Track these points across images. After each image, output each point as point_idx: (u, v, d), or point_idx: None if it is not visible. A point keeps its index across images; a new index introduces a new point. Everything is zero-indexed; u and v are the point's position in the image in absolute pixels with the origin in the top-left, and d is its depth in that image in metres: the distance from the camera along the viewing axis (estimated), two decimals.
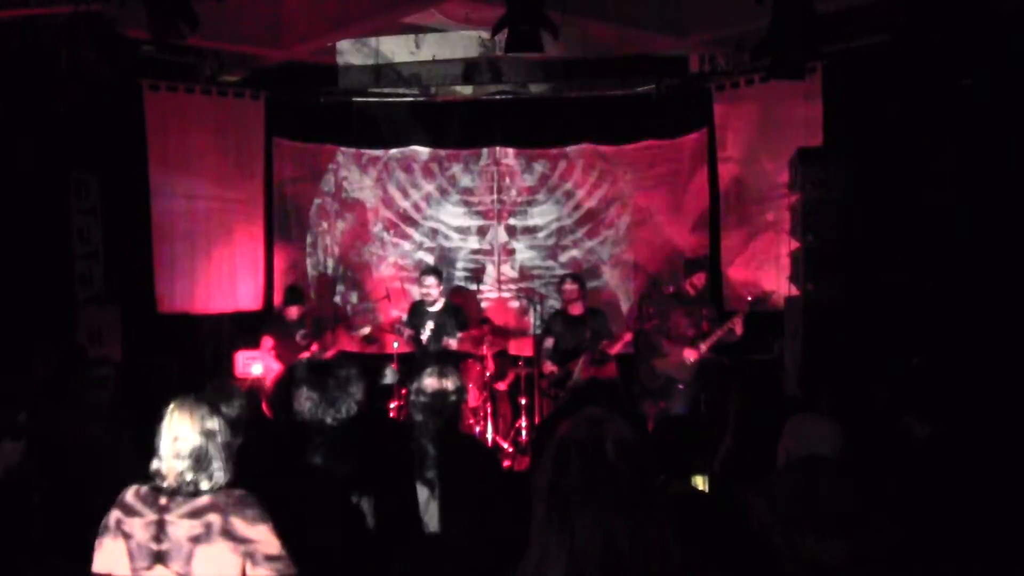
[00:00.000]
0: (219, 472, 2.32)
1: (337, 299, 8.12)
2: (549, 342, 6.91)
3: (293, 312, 7.10)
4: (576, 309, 6.83)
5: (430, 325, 6.87)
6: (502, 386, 7.25)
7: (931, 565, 2.14)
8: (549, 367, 6.86)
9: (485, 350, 7.02)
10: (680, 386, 6.40)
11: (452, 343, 6.94)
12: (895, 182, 5.90)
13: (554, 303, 7.61)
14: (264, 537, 2.29)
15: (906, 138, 5.91)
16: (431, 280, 6.99)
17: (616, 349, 6.72)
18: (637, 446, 1.64)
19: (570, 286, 6.83)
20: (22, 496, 3.17)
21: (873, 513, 1.95)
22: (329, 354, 7.20)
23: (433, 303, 6.99)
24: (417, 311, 7.05)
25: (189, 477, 2.29)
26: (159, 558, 2.27)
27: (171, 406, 2.35)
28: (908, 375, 4.43)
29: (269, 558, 2.29)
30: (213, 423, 2.35)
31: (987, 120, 5.41)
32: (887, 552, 1.94)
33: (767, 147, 7.19)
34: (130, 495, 2.33)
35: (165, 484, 2.30)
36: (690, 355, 6.35)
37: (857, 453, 2.65)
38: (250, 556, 2.27)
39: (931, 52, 5.65)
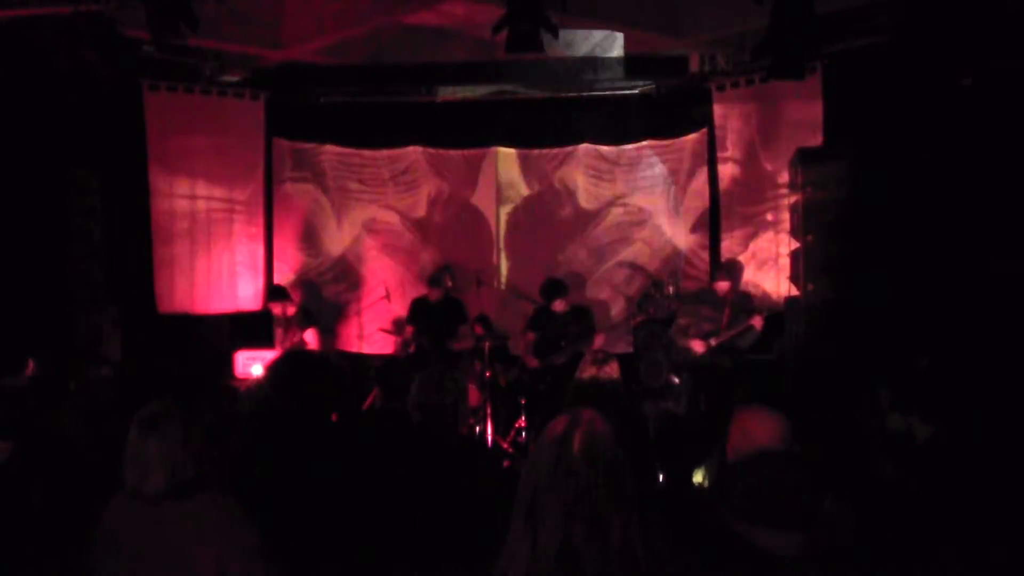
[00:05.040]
0: (202, 474, 2.32)
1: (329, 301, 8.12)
2: (533, 337, 6.96)
3: (276, 308, 7.11)
4: (560, 306, 6.85)
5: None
6: (503, 381, 7.26)
7: (897, 560, 2.15)
8: (532, 362, 6.91)
9: (485, 348, 7.04)
10: (676, 380, 6.42)
11: (452, 344, 6.96)
12: (895, 182, 5.90)
13: None
14: (256, 539, 2.29)
15: (906, 138, 5.91)
16: (446, 277, 7.01)
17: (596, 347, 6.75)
18: (607, 445, 1.63)
19: (556, 299, 6.81)
20: (20, 496, 3.17)
21: (824, 506, 1.97)
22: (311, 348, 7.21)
23: (435, 300, 6.99)
24: (417, 308, 7.05)
25: (179, 480, 2.29)
26: (150, 559, 2.27)
27: (147, 412, 2.34)
28: (910, 376, 4.43)
29: (262, 557, 2.29)
30: (191, 426, 2.34)
31: (987, 120, 5.41)
32: (840, 545, 1.95)
33: (767, 147, 7.19)
34: (121, 499, 2.33)
35: (151, 491, 2.29)
36: (697, 347, 6.34)
37: (857, 451, 2.66)
38: (244, 557, 2.27)
39: (931, 52, 5.65)
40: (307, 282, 8.02)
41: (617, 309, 7.94)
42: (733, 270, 6.88)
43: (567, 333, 6.78)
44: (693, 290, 7.26)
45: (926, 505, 2.58)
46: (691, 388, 6.46)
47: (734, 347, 6.34)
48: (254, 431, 3.29)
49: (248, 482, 2.63)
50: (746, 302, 6.72)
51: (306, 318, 7.12)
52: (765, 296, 7.15)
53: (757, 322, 6.24)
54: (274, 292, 7.33)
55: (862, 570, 2.00)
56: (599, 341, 6.80)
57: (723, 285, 6.57)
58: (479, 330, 7.28)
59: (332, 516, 2.70)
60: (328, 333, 7.79)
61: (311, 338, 6.96)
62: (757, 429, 2.55)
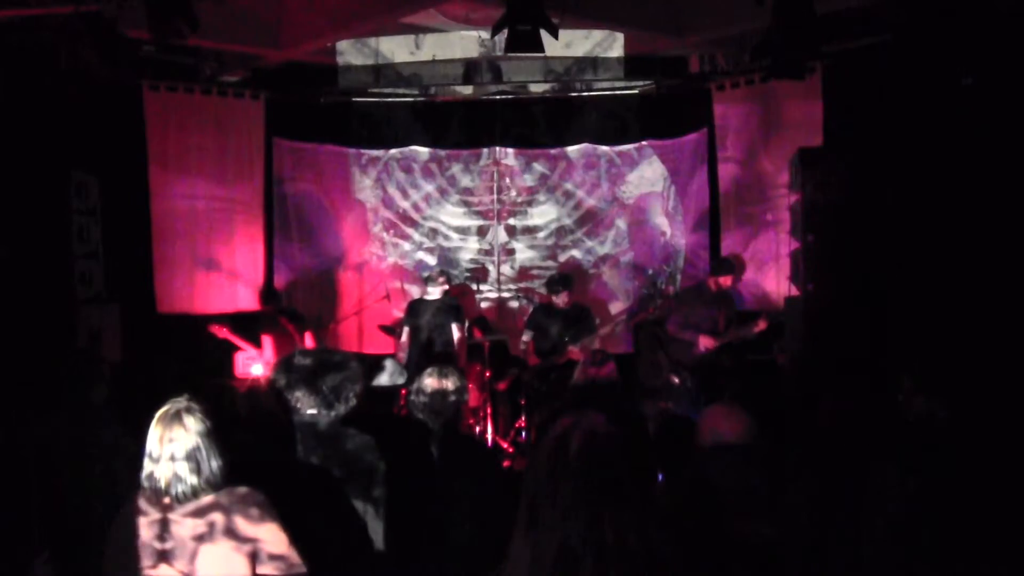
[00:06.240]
0: (216, 471, 2.32)
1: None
2: (532, 335, 6.96)
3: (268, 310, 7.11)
4: (561, 301, 6.86)
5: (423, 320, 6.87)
6: (502, 386, 7.26)
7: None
8: (533, 360, 6.91)
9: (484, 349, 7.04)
10: (676, 380, 6.42)
11: (454, 333, 6.94)
12: (895, 182, 5.90)
13: None
14: (269, 535, 2.29)
15: (906, 138, 5.91)
16: (442, 279, 6.98)
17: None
18: (605, 444, 1.63)
19: (563, 292, 6.83)
20: (19, 495, 3.16)
21: (786, 497, 2.00)
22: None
23: (431, 299, 6.98)
24: (414, 309, 7.06)
25: (189, 480, 2.29)
26: (163, 557, 2.28)
27: (166, 411, 2.34)
28: (930, 362, 4.42)
29: (274, 556, 2.28)
30: (206, 423, 2.34)
31: (987, 120, 5.41)
32: (808, 534, 1.97)
33: (767, 147, 7.19)
34: (139, 498, 2.34)
35: (161, 487, 2.29)
36: (706, 342, 6.33)
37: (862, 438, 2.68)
38: (255, 555, 2.27)
39: (931, 52, 5.65)
40: (307, 282, 8.02)
41: (616, 309, 7.94)
42: (734, 267, 6.90)
43: (566, 332, 6.78)
44: (688, 287, 7.27)
45: (926, 501, 2.58)
46: (695, 387, 6.46)
47: (733, 344, 6.38)
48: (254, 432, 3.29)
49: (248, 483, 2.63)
50: (737, 300, 6.78)
51: (256, 324, 7.02)
52: (765, 296, 7.16)
53: (762, 325, 6.28)
54: (265, 294, 7.30)
55: (827, 557, 2.02)
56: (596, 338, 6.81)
57: (726, 280, 6.57)
58: (477, 332, 7.28)
59: (333, 517, 2.70)
60: (326, 333, 7.79)
61: (246, 350, 6.88)
62: (719, 425, 2.60)
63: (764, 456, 2.20)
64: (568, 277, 7.02)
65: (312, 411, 2.77)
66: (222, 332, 6.84)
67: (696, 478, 2.15)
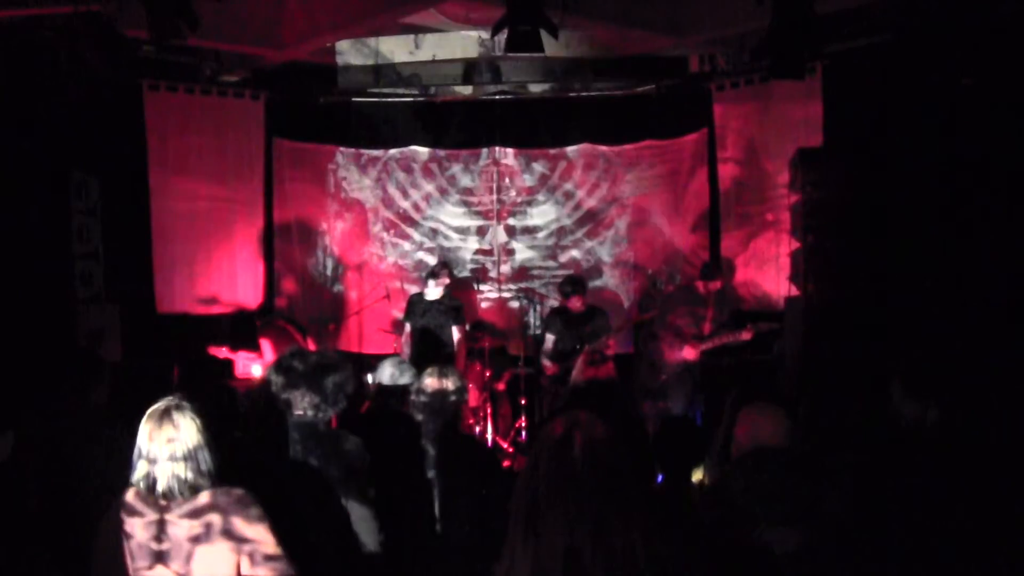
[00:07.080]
0: (207, 469, 2.31)
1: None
2: (549, 340, 6.90)
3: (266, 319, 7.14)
4: (576, 304, 6.81)
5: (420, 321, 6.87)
6: (501, 386, 7.25)
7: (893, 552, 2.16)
8: (549, 365, 6.85)
9: (484, 348, 7.03)
10: (663, 377, 6.43)
11: (454, 334, 6.93)
12: (895, 182, 5.90)
13: (554, 302, 7.62)
14: (263, 537, 2.29)
15: (906, 138, 5.91)
16: (444, 275, 6.97)
17: (613, 346, 6.73)
18: (607, 447, 1.63)
19: (575, 296, 6.77)
20: (18, 495, 3.16)
21: (822, 502, 1.98)
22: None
23: (432, 298, 6.98)
24: (414, 306, 7.05)
25: (187, 478, 2.28)
26: (159, 558, 2.27)
27: (157, 409, 2.33)
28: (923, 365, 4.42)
29: (268, 557, 2.28)
30: (196, 420, 2.33)
31: (987, 120, 5.41)
32: (839, 540, 1.96)
33: (767, 147, 7.19)
34: (130, 495, 2.32)
35: (160, 487, 2.28)
36: (689, 353, 6.34)
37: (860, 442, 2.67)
38: (250, 556, 2.27)
39: (931, 52, 5.65)
40: (307, 282, 8.02)
41: (617, 309, 7.94)
42: (722, 271, 6.90)
43: (582, 335, 6.71)
44: (678, 288, 7.24)
45: (927, 499, 2.58)
46: (690, 388, 6.46)
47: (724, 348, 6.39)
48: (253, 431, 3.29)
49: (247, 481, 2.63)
50: (732, 300, 6.75)
51: (255, 328, 7.00)
52: (765, 296, 7.16)
53: (747, 335, 6.27)
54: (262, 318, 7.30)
55: (861, 564, 2.01)
56: (621, 332, 6.79)
57: (714, 285, 6.57)
58: (478, 333, 7.28)
59: (331, 517, 2.70)
60: (326, 333, 7.80)
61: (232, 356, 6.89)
62: (762, 427, 2.56)
63: (802, 460, 2.16)
64: (578, 279, 6.95)
65: (309, 412, 2.78)
66: (222, 353, 6.85)
67: (730, 482, 2.12)
